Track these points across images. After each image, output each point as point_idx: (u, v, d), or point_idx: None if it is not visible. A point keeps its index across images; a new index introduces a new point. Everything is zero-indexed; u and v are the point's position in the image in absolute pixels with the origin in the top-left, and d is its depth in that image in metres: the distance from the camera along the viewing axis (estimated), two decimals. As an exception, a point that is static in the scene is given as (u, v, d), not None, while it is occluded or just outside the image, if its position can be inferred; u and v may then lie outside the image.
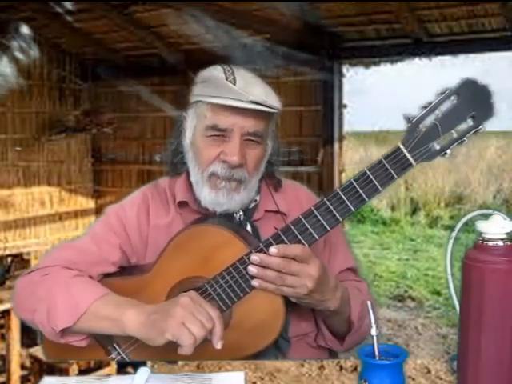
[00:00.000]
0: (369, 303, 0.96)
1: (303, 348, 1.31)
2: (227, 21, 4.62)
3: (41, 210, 5.92)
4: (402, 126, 1.11)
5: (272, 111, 1.20)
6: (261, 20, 4.65)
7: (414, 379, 1.06)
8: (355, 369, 1.10)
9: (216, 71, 1.23)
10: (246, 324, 1.19)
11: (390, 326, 4.89)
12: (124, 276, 1.30)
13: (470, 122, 1.08)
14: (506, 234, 0.90)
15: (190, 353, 1.02)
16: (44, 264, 1.28)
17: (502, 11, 4.08)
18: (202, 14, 4.48)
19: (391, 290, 5.86)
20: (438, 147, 1.10)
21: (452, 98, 1.08)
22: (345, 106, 5.08)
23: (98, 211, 6.05)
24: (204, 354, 1.11)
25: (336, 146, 5.00)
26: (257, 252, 1.15)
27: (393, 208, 9.38)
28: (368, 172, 1.12)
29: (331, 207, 1.14)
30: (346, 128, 5.23)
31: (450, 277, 1.05)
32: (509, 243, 0.90)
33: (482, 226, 0.91)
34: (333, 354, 1.36)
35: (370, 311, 0.94)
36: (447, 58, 4.75)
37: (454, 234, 1.04)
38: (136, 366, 1.06)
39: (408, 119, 1.10)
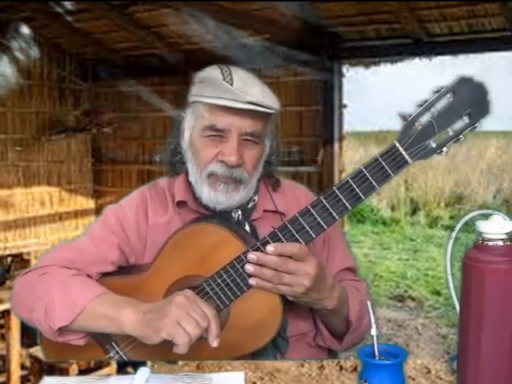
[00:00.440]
0: (369, 303, 0.96)
1: (302, 347, 1.31)
2: (227, 21, 4.62)
3: (41, 210, 5.92)
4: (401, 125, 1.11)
5: (269, 111, 1.21)
6: (261, 20, 4.65)
7: (414, 379, 1.06)
8: (355, 369, 1.10)
9: (213, 71, 1.23)
10: (244, 323, 1.19)
11: (390, 326, 4.89)
12: (122, 275, 1.30)
13: (466, 120, 1.08)
14: (506, 234, 0.90)
15: (186, 351, 1.02)
16: (42, 264, 1.29)
17: (502, 11, 4.07)
18: (202, 13, 4.48)
19: (391, 290, 5.86)
20: (434, 145, 1.09)
21: (448, 95, 1.08)
22: (345, 106, 5.08)
23: (98, 211, 6.05)
24: (202, 354, 1.11)
25: (336, 146, 5.00)
26: (254, 250, 1.15)
27: (393, 208, 9.38)
28: (364, 170, 1.12)
29: (328, 205, 1.14)
30: (346, 128, 5.23)
31: (449, 277, 1.05)
32: (509, 243, 0.90)
33: (482, 225, 0.91)
34: (332, 354, 1.37)
35: (370, 311, 0.94)
36: (447, 58, 4.75)
37: (454, 234, 1.04)
38: (136, 365, 1.06)
39: (404, 117, 1.10)
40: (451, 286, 1.04)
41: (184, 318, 1.02)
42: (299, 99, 5.18)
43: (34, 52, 5.60)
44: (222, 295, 1.18)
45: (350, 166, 5.45)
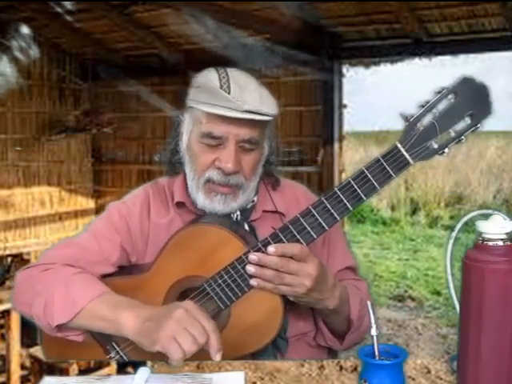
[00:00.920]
0: (369, 303, 0.96)
1: (302, 347, 1.31)
2: (227, 21, 4.62)
3: (41, 210, 5.92)
4: (402, 126, 1.11)
5: (267, 119, 1.20)
6: (261, 20, 4.64)
7: (414, 379, 1.06)
8: (355, 369, 1.10)
9: (211, 77, 1.22)
10: (245, 323, 1.19)
11: (390, 326, 4.89)
12: (124, 275, 1.30)
13: (467, 121, 1.08)
14: (506, 233, 0.90)
15: (180, 365, 1.01)
16: (45, 260, 1.28)
17: (502, 11, 4.07)
18: (202, 13, 4.47)
19: (391, 290, 5.87)
20: (435, 146, 1.09)
21: (449, 96, 1.08)
22: (345, 106, 5.08)
23: (98, 211, 6.04)
24: (202, 354, 1.11)
25: (336, 146, 4.99)
26: (255, 251, 1.15)
27: (393, 208, 9.38)
28: (366, 171, 1.12)
29: (329, 206, 1.14)
30: (346, 128, 5.22)
31: (449, 277, 1.05)
32: (509, 243, 0.90)
33: (482, 225, 0.91)
34: (332, 354, 1.37)
35: (370, 311, 0.94)
36: (447, 58, 4.75)
37: (454, 234, 1.04)
38: (136, 365, 1.06)
39: (406, 118, 1.10)
40: (451, 286, 1.04)
41: (181, 334, 0.99)
42: (299, 99, 5.17)
43: (34, 52, 5.60)
44: (222, 296, 1.18)
45: (350, 166, 5.45)
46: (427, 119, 1.09)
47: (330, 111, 4.93)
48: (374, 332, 0.91)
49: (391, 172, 1.11)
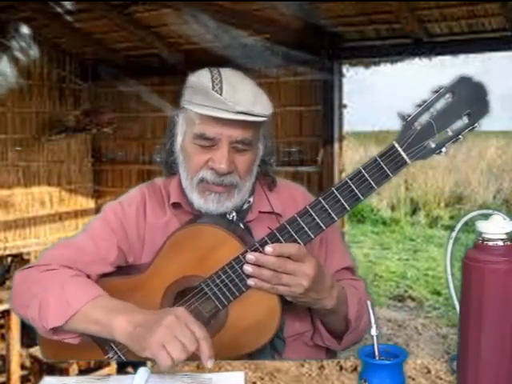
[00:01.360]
0: (368, 303, 0.97)
1: (300, 347, 1.31)
2: (227, 21, 4.61)
3: (41, 210, 5.91)
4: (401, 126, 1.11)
5: (260, 120, 1.20)
6: (261, 20, 4.64)
7: (414, 379, 1.06)
8: (355, 369, 1.10)
9: (203, 78, 1.22)
10: (242, 323, 1.19)
11: (390, 326, 4.89)
12: (122, 275, 1.30)
13: (465, 120, 1.08)
14: (506, 233, 0.90)
15: (169, 371, 1.00)
16: (43, 261, 1.28)
17: (502, 11, 4.07)
18: (202, 14, 4.47)
19: (391, 290, 5.87)
20: (433, 145, 1.09)
21: (447, 95, 1.08)
22: (345, 106, 5.08)
23: (98, 211, 6.00)
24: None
25: (336, 146, 4.99)
26: (252, 251, 1.15)
27: (393, 208, 9.38)
28: (363, 171, 1.12)
29: (326, 206, 1.14)
30: (346, 128, 5.22)
31: (449, 277, 1.05)
32: (509, 243, 0.90)
33: (482, 225, 0.91)
34: (330, 353, 1.36)
35: (370, 311, 0.95)
36: (447, 58, 4.74)
37: (454, 234, 1.04)
38: (136, 365, 1.06)
39: (403, 117, 1.10)
40: (451, 286, 1.04)
41: (170, 342, 0.97)
42: (299, 99, 5.17)
43: (34, 52, 5.59)
44: (220, 296, 1.18)
45: (349, 166, 5.44)
46: (424, 118, 1.08)
47: (330, 111, 4.93)
48: (374, 332, 0.91)
49: (388, 171, 1.11)
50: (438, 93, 1.08)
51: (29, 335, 3.24)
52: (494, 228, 0.90)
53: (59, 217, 6.04)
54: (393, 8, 4.25)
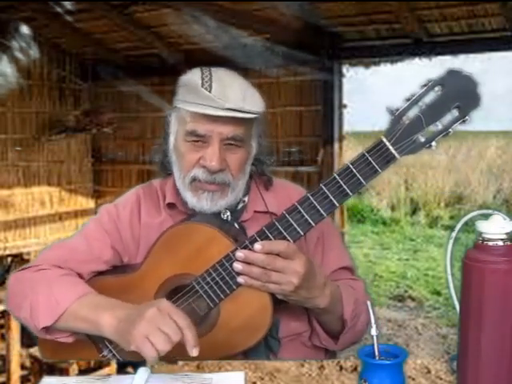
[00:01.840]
0: (368, 303, 0.96)
1: (297, 348, 1.31)
2: (227, 21, 4.62)
3: (41, 210, 5.92)
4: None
5: (250, 116, 1.20)
6: (261, 20, 4.64)
7: (414, 379, 1.06)
8: (355, 369, 1.10)
9: (193, 76, 1.22)
10: (234, 321, 1.19)
11: (390, 326, 4.89)
12: (116, 274, 1.31)
13: (455, 113, 1.06)
14: (506, 233, 0.90)
15: (156, 362, 1.01)
16: (36, 262, 1.29)
17: (502, 11, 4.07)
18: (202, 13, 4.47)
19: (391, 290, 5.86)
20: (422, 139, 1.08)
21: (436, 89, 1.06)
22: (345, 106, 5.08)
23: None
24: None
25: (336, 146, 4.99)
26: (243, 248, 1.15)
27: (393, 208, 9.38)
28: (351, 166, 1.11)
29: (315, 202, 1.13)
30: (346, 128, 5.22)
31: (449, 277, 1.05)
32: (509, 243, 0.90)
33: (482, 225, 0.91)
34: (330, 354, 1.36)
35: (370, 311, 0.94)
36: (447, 58, 4.74)
37: (454, 234, 1.04)
38: (136, 365, 1.06)
39: (391, 112, 1.08)
40: (451, 286, 1.04)
41: (153, 333, 0.98)
42: (299, 99, 5.17)
43: (34, 52, 5.60)
44: (211, 293, 1.18)
45: (349, 166, 5.43)
46: (413, 112, 1.07)
47: (330, 111, 4.93)
48: (373, 332, 0.91)
49: (377, 167, 1.09)
50: (427, 86, 1.06)
51: (29, 335, 3.23)
52: (494, 228, 0.90)
53: (59, 217, 6.04)
54: (393, 8, 4.25)
